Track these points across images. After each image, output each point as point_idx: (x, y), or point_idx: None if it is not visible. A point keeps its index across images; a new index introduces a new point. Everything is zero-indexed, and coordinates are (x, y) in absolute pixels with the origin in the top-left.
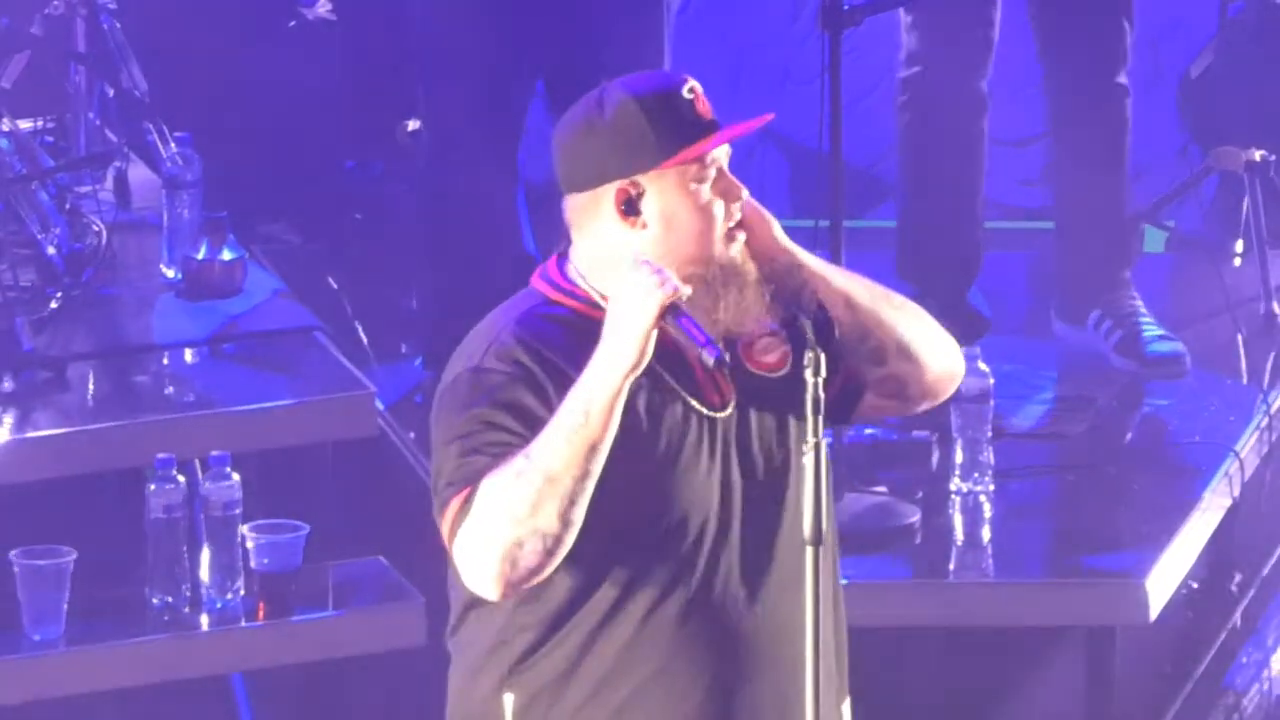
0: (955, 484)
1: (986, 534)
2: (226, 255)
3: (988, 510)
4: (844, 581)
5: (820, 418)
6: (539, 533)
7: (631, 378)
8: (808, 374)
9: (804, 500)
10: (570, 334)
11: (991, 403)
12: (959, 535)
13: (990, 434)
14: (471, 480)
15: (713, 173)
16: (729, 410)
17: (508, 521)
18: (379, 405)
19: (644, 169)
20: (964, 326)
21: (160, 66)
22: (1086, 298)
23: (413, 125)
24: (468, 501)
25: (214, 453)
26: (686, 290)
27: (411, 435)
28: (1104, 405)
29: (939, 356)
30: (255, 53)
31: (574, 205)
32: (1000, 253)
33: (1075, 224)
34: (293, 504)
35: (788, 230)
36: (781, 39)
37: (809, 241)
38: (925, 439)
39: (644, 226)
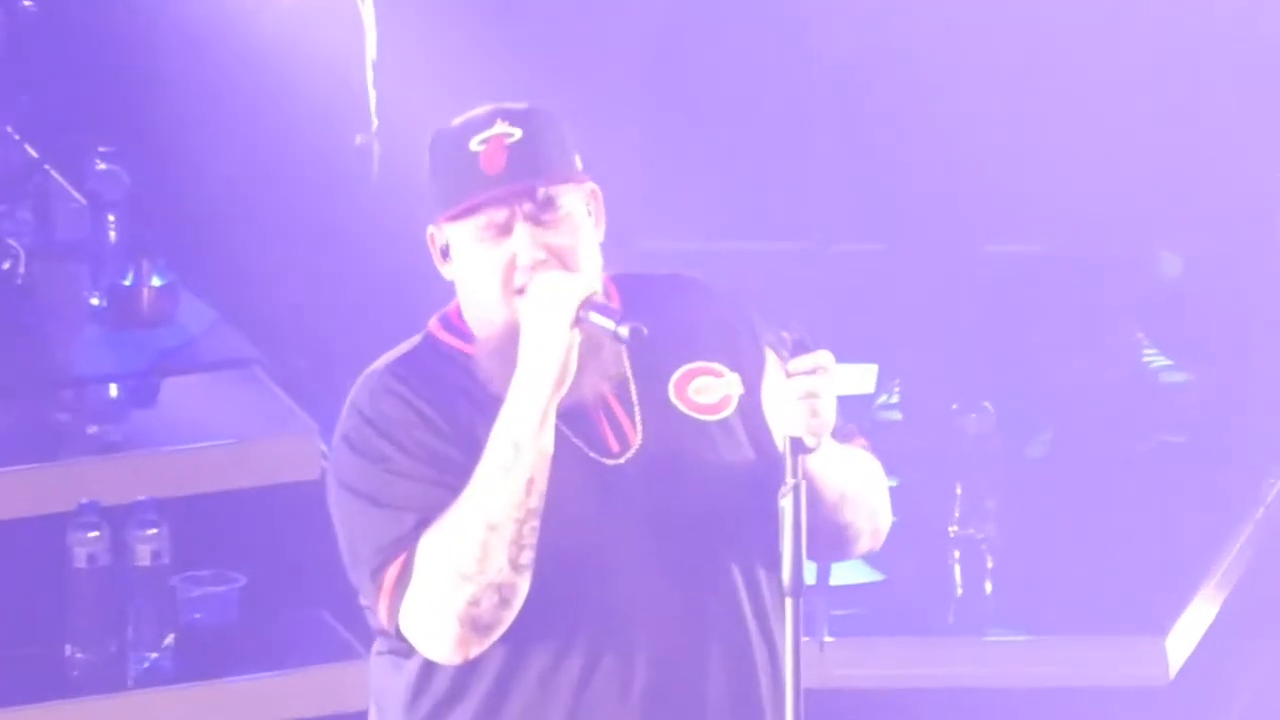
0: (954, 529)
1: (989, 585)
2: (156, 281)
3: (990, 559)
4: (829, 639)
5: (800, 459)
6: (492, 586)
7: (558, 396)
8: (778, 404)
9: (783, 548)
10: (453, 370)
11: (995, 441)
12: (958, 586)
13: (994, 474)
14: (404, 544)
15: (490, 233)
16: (628, 456)
17: (457, 580)
18: (322, 446)
19: (437, 217)
20: None
21: (86, 74)
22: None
23: (361, 139)
24: (406, 569)
25: (142, 497)
26: (596, 286)
27: None
28: (1117, 444)
29: (867, 547)
30: (184, 65)
31: None
32: None
33: None
34: (228, 553)
35: None
36: None
37: None
38: (920, 479)
39: (453, 277)
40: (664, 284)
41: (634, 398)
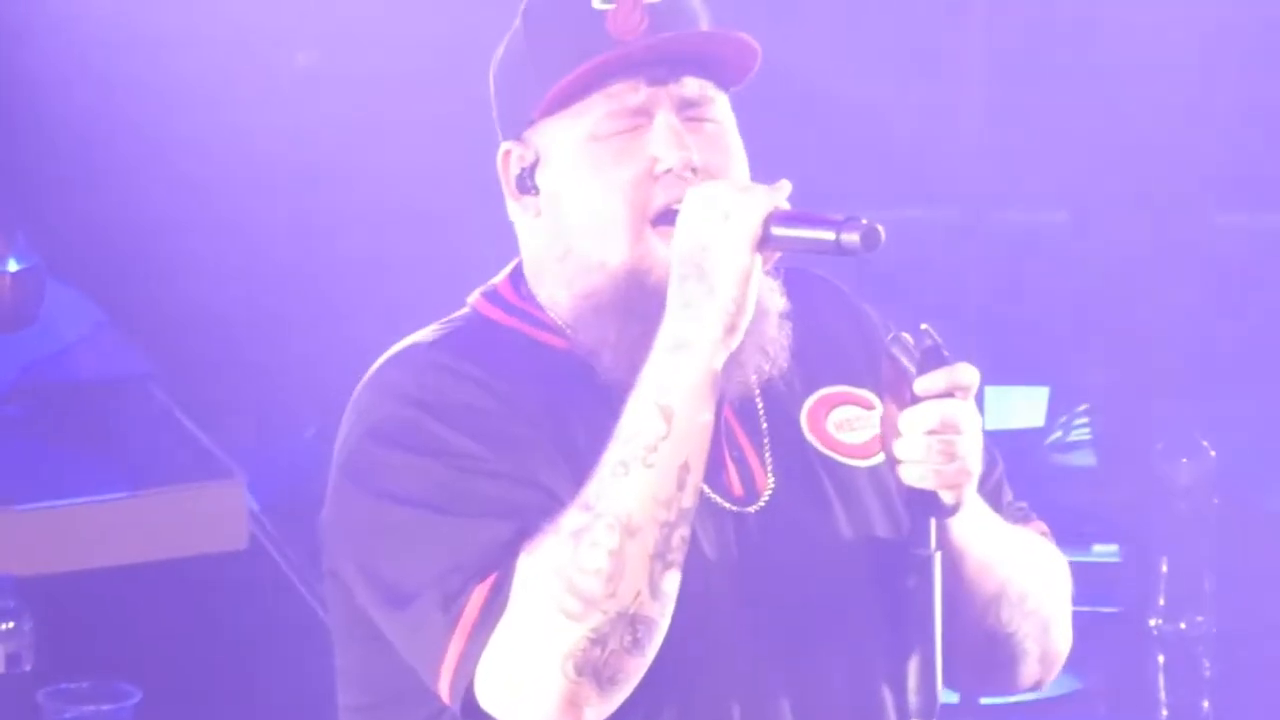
0: (1157, 622)
1: (1206, 702)
2: (14, 265)
3: (1208, 664)
4: None
5: (934, 524)
6: (625, 619)
7: (729, 347)
8: (897, 441)
9: (910, 659)
10: (521, 352)
11: (1215, 500)
12: (1163, 705)
13: (1214, 544)
14: (496, 560)
15: (617, 123)
16: (759, 504)
17: (577, 607)
18: (251, 502)
19: (527, 120)
20: None
21: None
22: None
23: (304, 58)
24: (498, 593)
25: None
26: (784, 196)
27: (300, 550)
28: None
29: (1033, 679)
30: None
31: None
32: None
33: None
34: (117, 656)
35: None
36: None
37: None
38: (1110, 554)
39: (537, 213)
40: (786, 283)
41: (763, 426)
